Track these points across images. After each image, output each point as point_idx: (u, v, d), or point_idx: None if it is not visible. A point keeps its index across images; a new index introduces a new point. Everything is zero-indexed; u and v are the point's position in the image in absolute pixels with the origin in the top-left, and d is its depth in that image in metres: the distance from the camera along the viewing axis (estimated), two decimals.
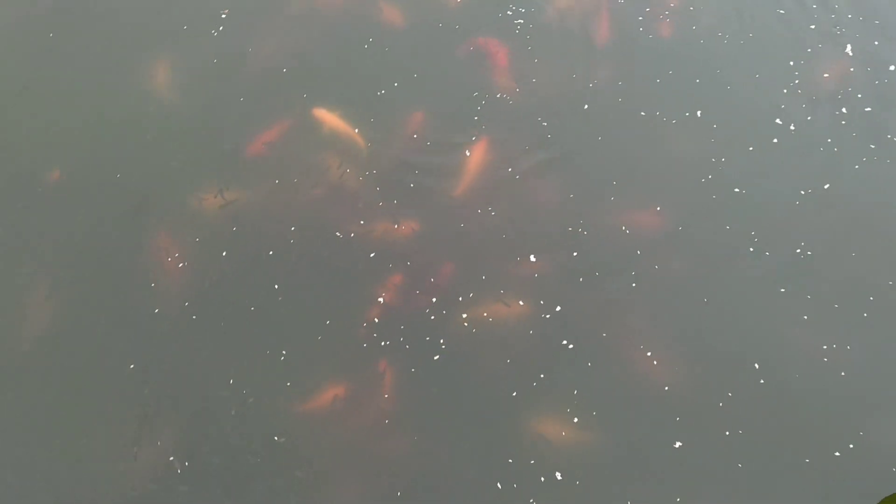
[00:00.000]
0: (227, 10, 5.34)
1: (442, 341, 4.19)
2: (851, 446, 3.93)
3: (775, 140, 4.86)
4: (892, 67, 5.14)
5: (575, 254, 4.45)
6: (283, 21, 5.36)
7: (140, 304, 4.28)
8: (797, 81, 5.09)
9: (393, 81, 5.07)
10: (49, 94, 5.04)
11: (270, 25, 5.32)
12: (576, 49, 5.29)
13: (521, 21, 5.39)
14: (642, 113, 4.97)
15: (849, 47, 5.24)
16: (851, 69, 5.16)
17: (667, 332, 4.25)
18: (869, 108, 4.96)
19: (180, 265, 4.36)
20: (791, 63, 5.19)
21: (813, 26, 5.35)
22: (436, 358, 4.15)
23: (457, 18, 5.41)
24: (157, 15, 5.41)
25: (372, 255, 4.42)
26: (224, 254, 4.42)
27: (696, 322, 4.28)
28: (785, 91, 5.05)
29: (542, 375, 4.11)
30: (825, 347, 4.18)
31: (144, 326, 4.21)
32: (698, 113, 4.96)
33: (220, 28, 5.25)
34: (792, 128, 4.90)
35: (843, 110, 4.96)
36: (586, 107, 5.00)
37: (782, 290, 4.36)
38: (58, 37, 5.23)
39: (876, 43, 5.26)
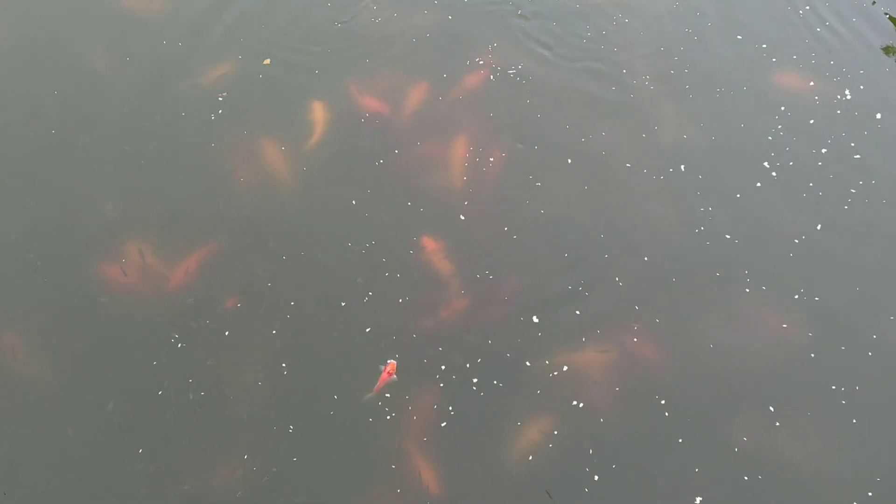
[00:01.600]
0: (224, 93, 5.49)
1: (451, 408, 4.17)
2: (870, 494, 3.89)
3: (759, 184, 4.96)
4: (878, 115, 5.30)
5: (577, 312, 4.48)
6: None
7: (144, 385, 4.24)
8: (780, 126, 5.22)
9: (394, 149, 5.18)
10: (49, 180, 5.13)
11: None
12: (566, 105, 5.42)
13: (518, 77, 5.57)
14: (628, 165, 5.07)
15: (846, 92, 5.41)
16: (838, 112, 5.31)
17: (676, 379, 4.26)
18: (858, 156, 5.10)
19: (180, 346, 4.35)
20: (782, 108, 5.33)
21: (812, 83, 5.49)
22: (443, 424, 4.11)
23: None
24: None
25: (369, 329, 4.41)
26: (227, 333, 4.41)
27: (705, 367, 4.30)
28: (770, 138, 5.18)
29: (555, 432, 4.09)
30: (833, 388, 4.19)
31: (150, 407, 4.16)
32: (682, 167, 5.06)
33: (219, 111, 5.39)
34: (774, 174, 5.00)
35: (823, 151, 5.09)
36: (569, 161, 5.09)
37: (784, 325, 4.41)
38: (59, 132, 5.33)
39: (861, 87, 5.44)
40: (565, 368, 4.28)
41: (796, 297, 4.50)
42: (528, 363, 4.30)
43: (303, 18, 5.90)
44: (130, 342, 4.39)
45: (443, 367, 4.28)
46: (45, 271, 4.64)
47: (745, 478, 3.94)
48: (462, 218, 4.84)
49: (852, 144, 5.15)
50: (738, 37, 5.79)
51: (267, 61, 5.58)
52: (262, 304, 4.50)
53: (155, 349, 4.34)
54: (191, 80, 5.52)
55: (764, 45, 5.73)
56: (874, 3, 5.96)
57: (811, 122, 5.28)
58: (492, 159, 5.09)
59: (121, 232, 4.80)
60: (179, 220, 4.86)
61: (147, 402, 4.17)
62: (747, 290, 4.53)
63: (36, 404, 4.21)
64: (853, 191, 4.93)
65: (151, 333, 4.39)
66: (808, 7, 5.95)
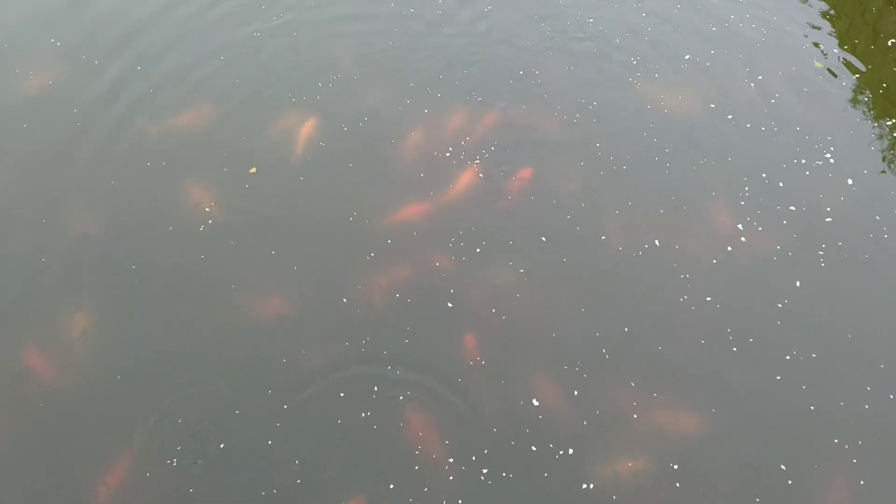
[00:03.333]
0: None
1: (461, 502, 4.11)
2: None
3: (730, 248, 5.11)
4: (850, 182, 5.52)
5: (576, 392, 4.50)
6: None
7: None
8: (747, 189, 5.42)
9: (386, 239, 5.27)
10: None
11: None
12: (547, 175, 5.58)
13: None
14: (603, 237, 5.19)
15: (827, 156, 5.62)
16: (807, 173, 5.52)
17: (684, 450, 4.28)
18: (829, 219, 5.29)
19: (170, 464, 4.26)
20: (763, 175, 5.51)
21: (801, 147, 5.70)
22: None
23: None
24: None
25: (377, 424, 4.39)
26: (222, 446, 4.33)
27: (709, 433, 4.34)
28: (742, 203, 5.36)
29: None
30: (836, 441, 4.25)
31: None
32: (657, 242, 5.19)
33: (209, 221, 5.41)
34: (743, 239, 5.16)
35: (792, 208, 5.28)
36: (543, 239, 5.18)
37: (778, 377, 4.50)
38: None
39: (832, 149, 5.66)
40: (571, 451, 4.28)
41: (788, 357, 4.60)
42: (533, 448, 4.28)
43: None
44: (126, 458, 4.28)
45: (451, 460, 4.24)
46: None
47: None
48: (450, 305, 4.89)
49: (828, 209, 5.33)
50: (712, 105, 6.03)
51: (253, 170, 5.66)
52: (259, 411, 4.45)
53: (150, 466, 4.24)
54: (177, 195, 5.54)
55: (730, 116, 5.96)
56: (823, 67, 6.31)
57: (780, 184, 5.48)
58: (478, 249, 5.15)
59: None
60: (171, 330, 4.80)
61: None
62: (734, 349, 4.62)
63: None
64: (821, 253, 5.10)
65: (143, 450, 4.29)
66: (760, 77, 6.25)
